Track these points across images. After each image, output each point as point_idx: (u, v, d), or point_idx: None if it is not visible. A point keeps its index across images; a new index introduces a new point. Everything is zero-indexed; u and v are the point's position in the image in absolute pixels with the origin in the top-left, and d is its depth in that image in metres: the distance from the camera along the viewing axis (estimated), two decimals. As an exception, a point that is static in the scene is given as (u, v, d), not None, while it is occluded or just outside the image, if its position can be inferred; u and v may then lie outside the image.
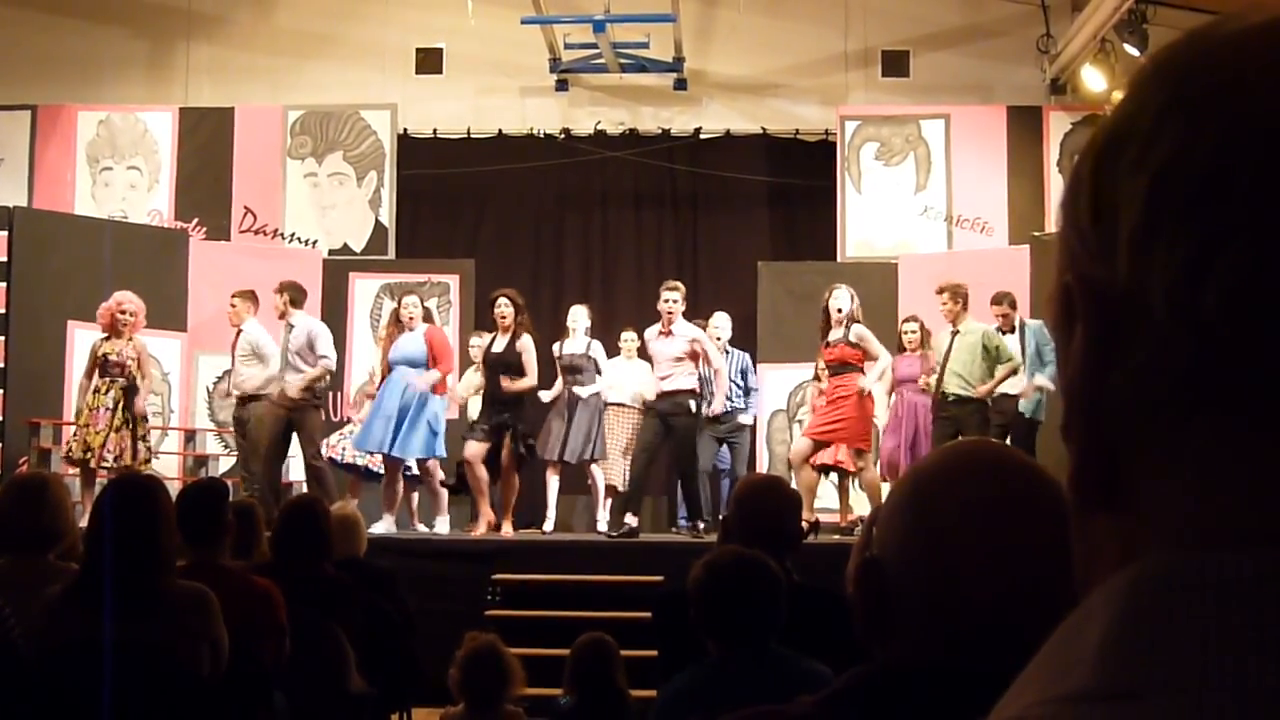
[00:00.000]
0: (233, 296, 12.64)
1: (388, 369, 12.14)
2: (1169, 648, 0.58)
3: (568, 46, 16.06)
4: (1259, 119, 0.60)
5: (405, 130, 16.33)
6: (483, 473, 12.04)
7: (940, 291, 12.13)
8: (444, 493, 12.37)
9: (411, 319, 12.14)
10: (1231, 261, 0.59)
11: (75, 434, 11.95)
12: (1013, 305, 12.31)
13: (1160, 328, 0.62)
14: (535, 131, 16.68)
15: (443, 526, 12.28)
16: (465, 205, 16.88)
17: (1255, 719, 0.55)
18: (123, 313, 11.99)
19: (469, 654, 6.20)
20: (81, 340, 13.55)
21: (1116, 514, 0.65)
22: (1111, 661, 0.59)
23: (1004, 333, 12.00)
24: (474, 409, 13.00)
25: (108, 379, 11.84)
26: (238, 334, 12.42)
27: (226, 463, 14.18)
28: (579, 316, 12.71)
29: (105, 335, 12.04)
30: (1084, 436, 0.66)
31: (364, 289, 15.14)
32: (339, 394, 14.23)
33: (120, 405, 11.77)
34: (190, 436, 14.07)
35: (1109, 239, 0.64)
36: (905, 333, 12.39)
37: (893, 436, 12.18)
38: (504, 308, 12.00)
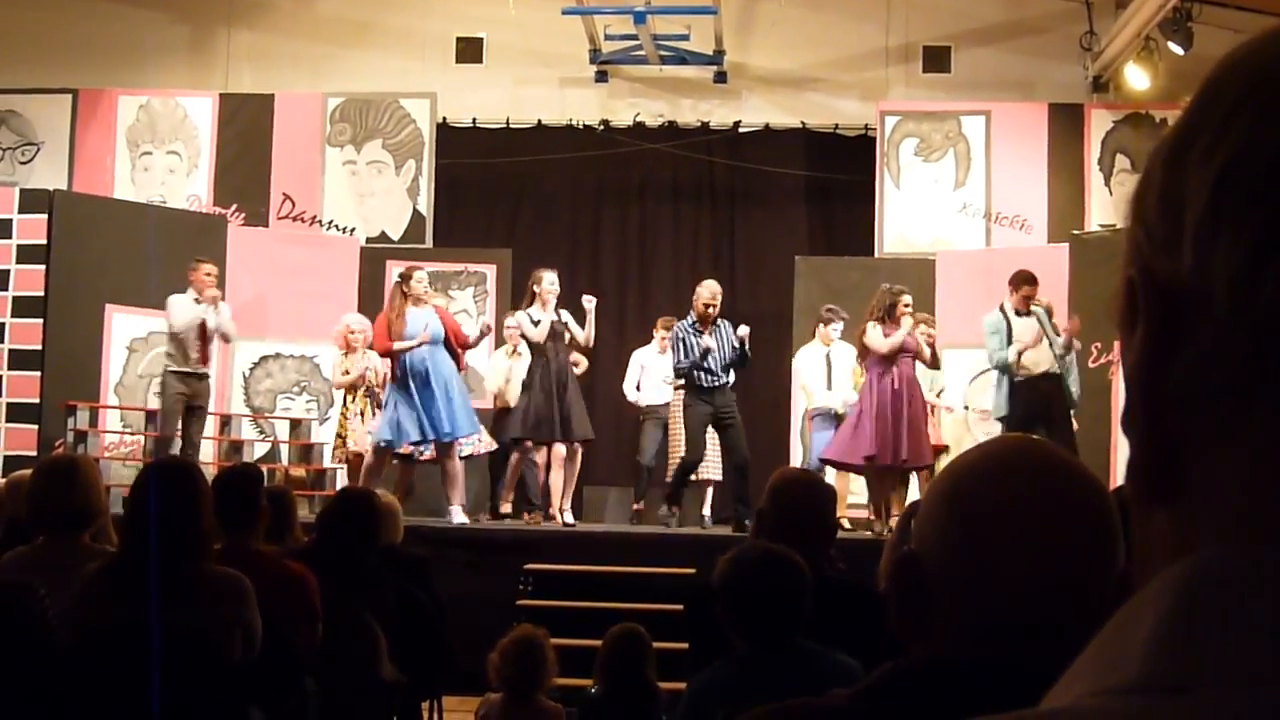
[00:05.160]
0: (207, 264, 12.64)
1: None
2: (1220, 642, 0.58)
3: (608, 38, 16.08)
4: None
5: (444, 119, 16.36)
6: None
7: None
8: (462, 477, 12.21)
9: (426, 293, 12.04)
10: None
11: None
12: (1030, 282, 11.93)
13: (1221, 320, 0.62)
14: (574, 122, 16.70)
15: (460, 514, 11.94)
16: (503, 195, 16.92)
17: None
18: (352, 334, 12.76)
19: (511, 643, 6.24)
20: (119, 324, 13.64)
21: (1175, 507, 0.65)
22: (1162, 654, 0.60)
23: (1020, 314, 11.73)
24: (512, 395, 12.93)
25: (347, 375, 12.74)
26: (216, 305, 12.42)
27: (262, 448, 14.25)
28: (554, 283, 12.25)
29: (344, 354, 12.90)
30: (1144, 429, 0.66)
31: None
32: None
33: (366, 411, 12.68)
34: (226, 422, 14.12)
35: (1175, 232, 0.65)
36: (904, 304, 11.90)
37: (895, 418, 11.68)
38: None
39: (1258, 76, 0.64)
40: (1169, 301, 0.65)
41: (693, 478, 12.73)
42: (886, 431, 11.51)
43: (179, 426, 12.30)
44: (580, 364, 12.79)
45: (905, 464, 11.68)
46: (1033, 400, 11.60)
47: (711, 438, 12.43)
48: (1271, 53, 0.65)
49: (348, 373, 12.71)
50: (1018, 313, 11.78)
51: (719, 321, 12.07)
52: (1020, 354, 11.64)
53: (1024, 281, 11.88)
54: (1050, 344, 11.60)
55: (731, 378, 12.09)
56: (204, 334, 12.36)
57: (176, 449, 11.91)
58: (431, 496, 12.84)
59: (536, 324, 11.99)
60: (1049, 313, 11.74)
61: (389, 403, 11.86)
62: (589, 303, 12.22)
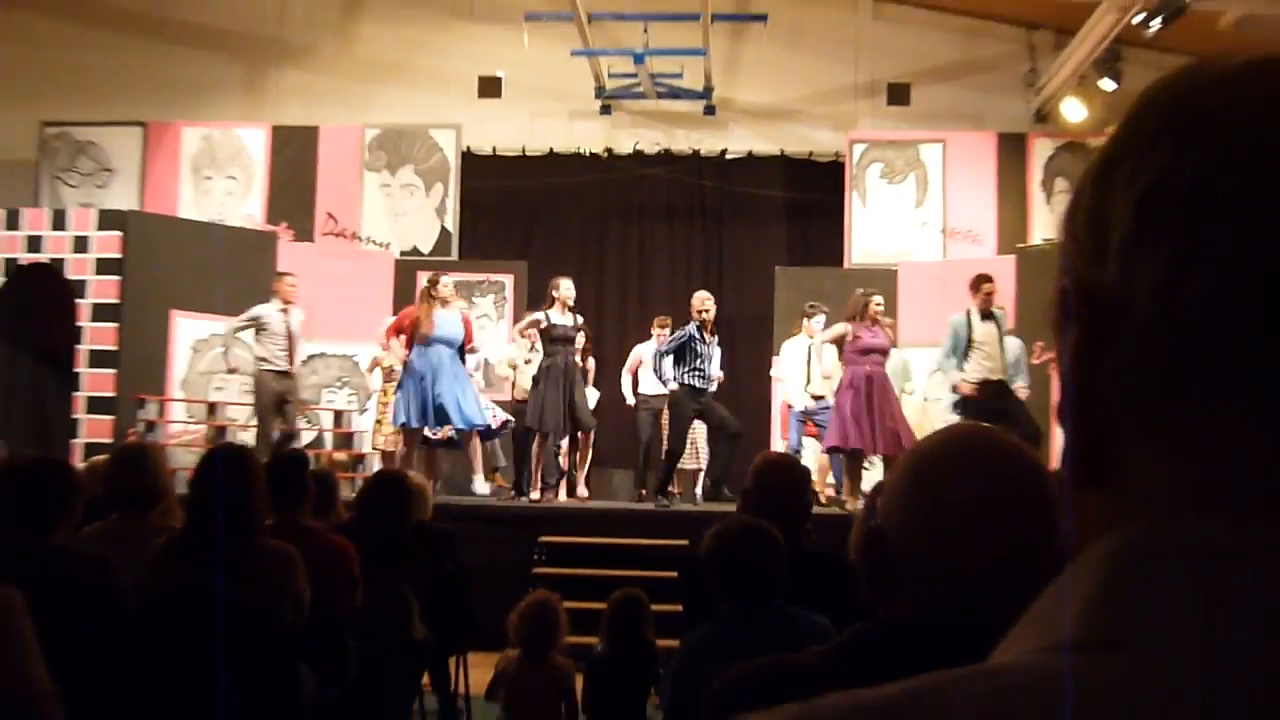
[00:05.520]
0: (290, 276, 12.59)
1: (424, 341, 11.70)
2: (1145, 606, 0.58)
3: (611, 76, 16.09)
4: (1237, 144, 0.61)
5: (468, 148, 16.37)
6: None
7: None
8: (480, 452, 12.16)
9: (451, 295, 11.93)
10: (1209, 265, 0.60)
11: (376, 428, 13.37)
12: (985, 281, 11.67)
13: (1144, 323, 0.62)
14: (582, 150, 16.70)
15: (482, 485, 11.96)
16: (519, 214, 16.90)
17: (1223, 671, 0.55)
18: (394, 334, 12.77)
19: (527, 606, 6.24)
20: (183, 327, 13.65)
21: (1104, 489, 0.65)
22: (1095, 616, 0.60)
23: (984, 317, 11.48)
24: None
25: (392, 383, 12.66)
26: (287, 310, 12.38)
27: (308, 435, 14.24)
28: (571, 289, 12.11)
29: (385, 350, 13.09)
30: (1076, 420, 0.66)
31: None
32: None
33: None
34: (277, 413, 14.12)
35: (1103, 246, 0.65)
36: (874, 304, 11.59)
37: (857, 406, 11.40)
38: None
39: (1174, 109, 0.64)
40: (1097, 308, 0.65)
41: (684, 466, 12.71)
42: (864, 426, 11.37)
43: (275, 422, 12.26)
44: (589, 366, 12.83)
45: (883, 454, 11.44)
46: (983, 406, 11.16)
47: (699, 429, 12.44)
48: (1185, 88, 0.65)
49: (392, 367, 12.70)
50: (982, 315, 11.52)
51: (716, 334, 11.97)
52: (955, 386, 11.48)
53: (982, 281, 11.66)
54: (1002, 350, 11.44)
55: (714, 385, 12.03)
56: (290, 337, 12.32)
57: (272, 442, 11.79)
58: (458, 475, 12.83)
59: (547, 330, 11.92)
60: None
61: (401, 388, 11.79)
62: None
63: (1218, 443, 0.61)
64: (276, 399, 12.22)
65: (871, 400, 11.32)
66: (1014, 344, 11.66)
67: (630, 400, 13.63)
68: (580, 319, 12.16)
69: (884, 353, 11.56)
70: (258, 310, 12.33)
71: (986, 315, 11.52)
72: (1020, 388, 11.71)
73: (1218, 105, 0.63)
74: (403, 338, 11.97)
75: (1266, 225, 0.59)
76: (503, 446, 13.06)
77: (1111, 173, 0.65)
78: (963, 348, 11.47)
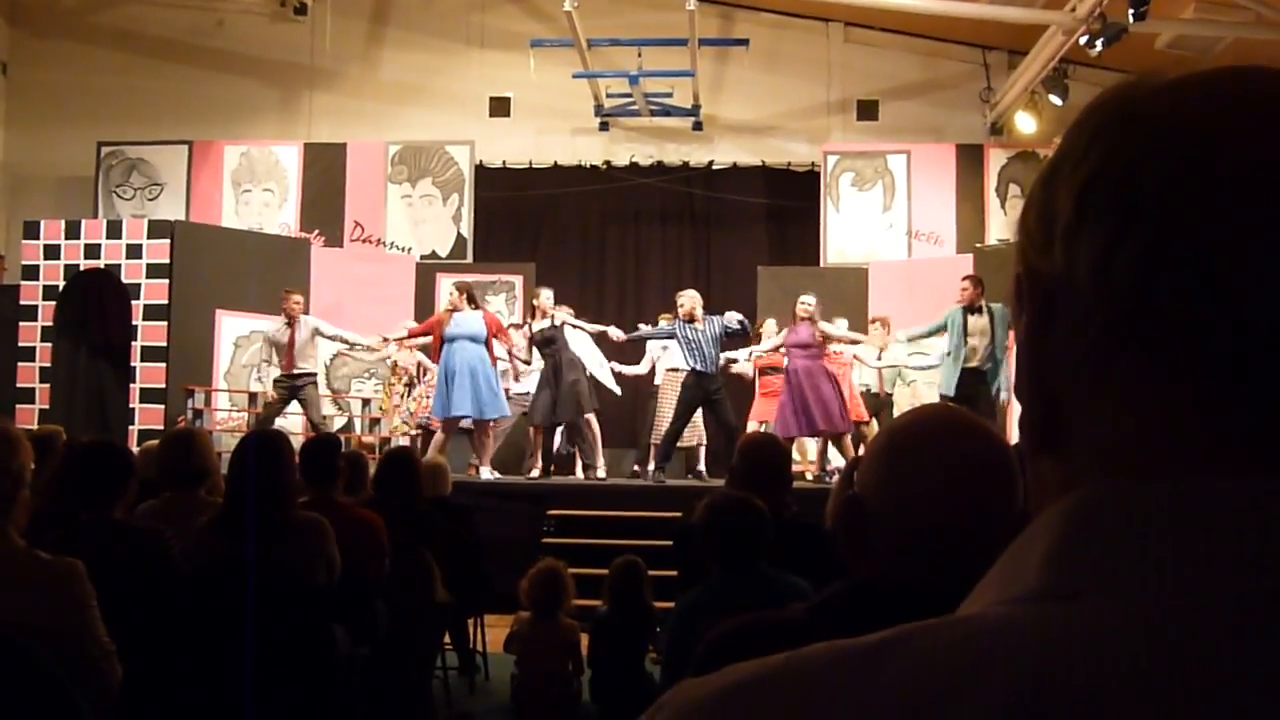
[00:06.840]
0: (293, 293, 12.46)
1: (441, 342, 11.65)
2: (1100, 558, 0.59)
3: (609, 95, 16.10)
4: (1160, 143, 0.63)
5: (481, 161, 16.34)
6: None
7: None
8: (491, 445, 12.09)
9: (459, 302, 11.74)
10: (1137, 241, 0.61)
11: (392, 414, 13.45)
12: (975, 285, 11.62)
13: (1085, 302, 0.64)
14: (583, 163, 16.71)
15: (487, 473, 11.85)
16: (527, 221, 16.90)
17: (1167, 613, 0.56)
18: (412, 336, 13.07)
19: (538, 572, 6.25)
20: (227, 325, 13.64)
21: (1057, 454, 0.66)
22: (1054, 569, 0.60)
23: (970, 311, 11.40)
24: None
25: (397, 378, 13.23)
26: (293, 323, 12.22)
27: (340, 421, 14.23)
28: (550, 297, 12.13)
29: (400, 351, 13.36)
30: (1030, 393, 0.68)
31: (447, 286, 15.12)
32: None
33: (407, 393, 13.20)
34: (311, 401, 14.10)
35: (1049, 237, 0.66)
36: (798, 304, 11.67)
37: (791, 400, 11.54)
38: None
39: (1109, 117, 0.66)
40: (1046, 290, 0.66)
41: (682, 444, 12.64)
42: (799, 417, 11.44)
43: (275, 416, 12.17)
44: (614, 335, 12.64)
45: (822, 432, 11.56)
46: (963, 386, 11.33)
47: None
48: (1120, 100, 0.67)
49: (398, 363, 13.05)
50: (970, 310, 11.48)
51: (709, 319, 11.68)
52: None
53: (961, 281, 11.76)
54: (992, 340, 11.33)
55: (722, 359, 11.83)
56: (291, 347, 12.21)
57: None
58: (461, 462, 12.80)
59: (532, 337, 12.06)
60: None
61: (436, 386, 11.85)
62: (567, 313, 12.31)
63: (1150, 399, 0.62)
64: (283, 399, 12.28)
65: (799, 389, 11.48)
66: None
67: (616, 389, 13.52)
68: (559, 316, 12.11)
69: (805, 346, 11.59)
70: (267, 333, 12.49)
71: (971, 310, 11.50)
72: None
73: (1146, 114, 0.65)
74: (429, 339, 11.98)
75: (1184, 205, 0.60)
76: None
77: (1056, 173, 0.67)
78: (955, 335, 11.47)
